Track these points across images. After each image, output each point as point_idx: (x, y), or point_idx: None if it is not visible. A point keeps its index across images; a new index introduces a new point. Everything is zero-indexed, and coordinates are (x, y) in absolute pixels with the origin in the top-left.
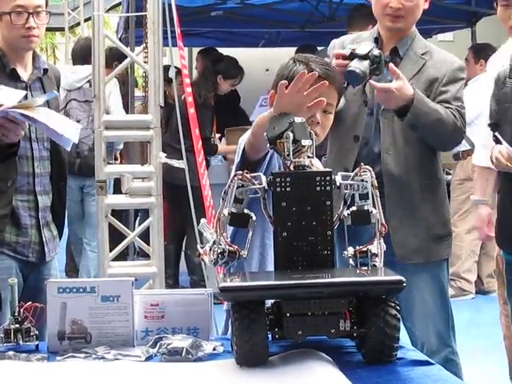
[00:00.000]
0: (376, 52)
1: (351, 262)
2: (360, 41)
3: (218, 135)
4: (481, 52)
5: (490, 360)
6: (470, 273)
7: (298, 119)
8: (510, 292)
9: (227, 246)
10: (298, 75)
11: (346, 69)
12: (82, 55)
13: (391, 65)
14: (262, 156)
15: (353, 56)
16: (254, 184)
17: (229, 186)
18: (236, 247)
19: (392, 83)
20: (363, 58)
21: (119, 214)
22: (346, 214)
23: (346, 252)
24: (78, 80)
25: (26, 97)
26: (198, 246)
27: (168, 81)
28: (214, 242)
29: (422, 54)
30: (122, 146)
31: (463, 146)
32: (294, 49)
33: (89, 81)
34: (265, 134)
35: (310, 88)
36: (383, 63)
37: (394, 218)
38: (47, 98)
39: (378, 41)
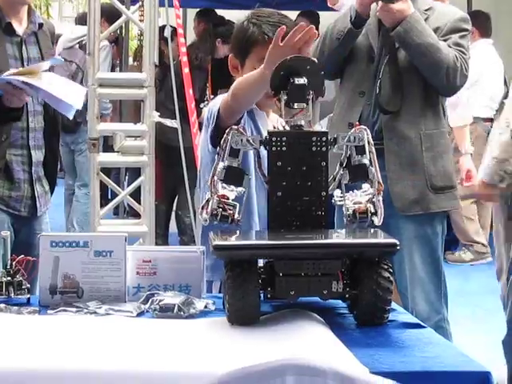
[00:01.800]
0: None
1: (349, 219)
2: None
3: (212, 97)
4: (472, 19)
5: (481, 329)
6: (479, 235)
7: (299, 81)
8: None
9: (220, 209)
10: (296, 28)
11: None
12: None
13: None
14: (236, 121)
15: None
16: (248, 138)
17: (224, 140)
18: (230, 211)
19: (395, 4)
20: None
21: (107, 172)
22: (342, 173)
23: (344, 209)
24: (70, 40)
25: (21, 51)
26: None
27: (164, 40)
28: (208, 201)
29: (426, 10)
30: (109, 111)
31: None
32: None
33: (79, 42)
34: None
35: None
36: None
37: (393, 170)
38: (52, 63)
39: None
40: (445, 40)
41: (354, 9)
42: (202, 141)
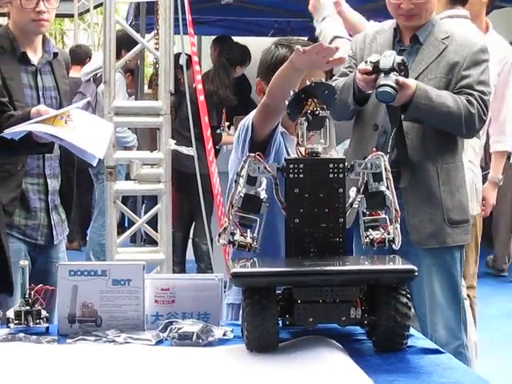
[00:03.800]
0: (399, 59)
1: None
2: (377, 35)
3: (227, 123)
4: None
5: (500, 353)
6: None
7: (322, 113)
8: None
9: (240, 237)
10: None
11: (377, 89)
12: None
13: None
14: (270, 131)
15: (377, 69)
16: (265, 165)
17: (241, 168)
18: (248, 240)
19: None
20: (389, 71)
21: (124, 200)
22: (359, 200)
23: (362, 237)
24: (85, 74)
25: (37, 80)
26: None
27: (179, 68)
28: (225, 229)
29: (443, 39)
30: (133, 142)
31: None
32: (305, 39)
33: (96, 74)
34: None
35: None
36: (408, 66)
37: (411, 202)
38: (78, 106)
39: (397, 31)
40: (465, 77)
41: (357, 85)
42: (232, 161)
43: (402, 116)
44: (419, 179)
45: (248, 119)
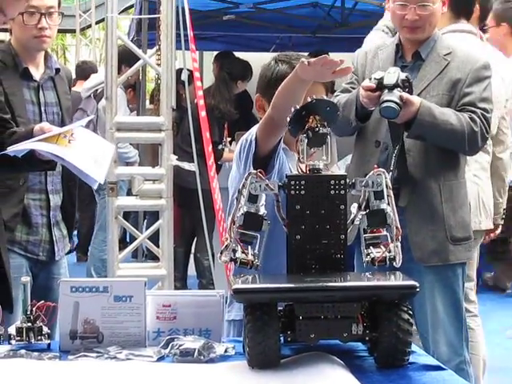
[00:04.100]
0: (403, 76)
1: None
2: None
3: (228, 139)
4: None
5: (501, 368)
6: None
7: (323, 130)
8: None
9: (241, 255)
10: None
11: (380, 105)
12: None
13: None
14: (274, 146)
15: (381, 86)
16: (267, 183)
17: (243, 185)
18: (250, 257)
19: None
20: (392, 87)
21: (126, 216)
22: (360, 217)
23: (363, 255)
24: (86, 89)
25: (39, 96)
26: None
27: (181, 83)
28: (227, 246)
29: (445, 55)
30: (135, 158)
31: None
32: (305, 54)
33: (96, 90)
34: (284, 98)
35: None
36: (412, 82)
37: (413, 220)
38: (82, 124)
39: (399, 47)
40: (468, 94)
41: (359, 102)
42: (232, 177)
43: (405, 133)
44: (422, 196)
45: (251, 134)
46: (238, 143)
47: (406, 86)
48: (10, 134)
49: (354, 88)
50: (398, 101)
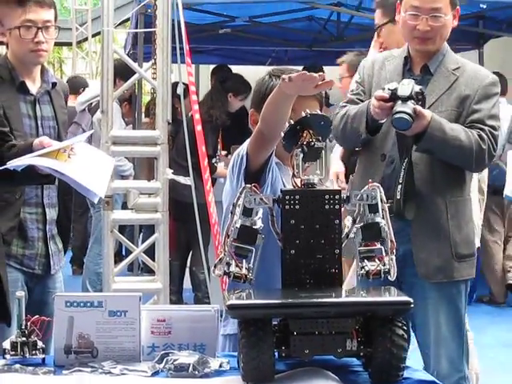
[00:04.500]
0: (417, 89)
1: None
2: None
3: (223, 152)
4: None
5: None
6: None
7: (317, 144)
8: None
9: (235, 268)
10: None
11: (393, 116)
12: None
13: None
14: (265, 160)
15: (394, 97)
16: (261, 197)
17: (238, 198)
18: (244, 271)
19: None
20: (406, 99)
21: (122, 229)
22: (354, 230)
23: (358, 269)
24: (81, 103)
25: (35, 109)
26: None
27: (177, 97)
28: (221, 260)
29: (454, 70)
30: (130, 171)
31: None
32: (300, 68)
33: (90, 104)
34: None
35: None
36: (425, 96)
37: (419, 235)
38: (81, 139)
39: (407, 60)
40: (477, 111)
41: (370, 114)
42: (226, 191)
43: (414, 147)
44: (428, 212)
45: (243, 148)
46: (232, 157)
47: (420, 98)
48: (9, 147)
49: (360, 99)
50: (411, 113)
